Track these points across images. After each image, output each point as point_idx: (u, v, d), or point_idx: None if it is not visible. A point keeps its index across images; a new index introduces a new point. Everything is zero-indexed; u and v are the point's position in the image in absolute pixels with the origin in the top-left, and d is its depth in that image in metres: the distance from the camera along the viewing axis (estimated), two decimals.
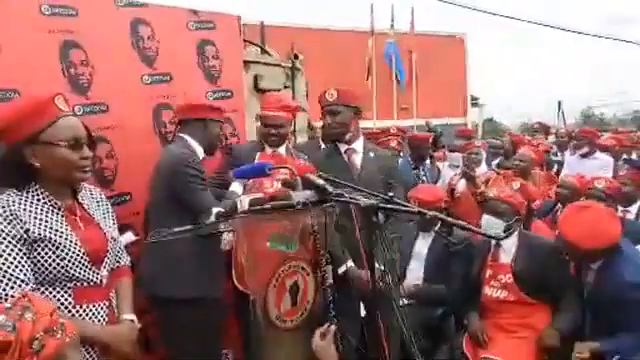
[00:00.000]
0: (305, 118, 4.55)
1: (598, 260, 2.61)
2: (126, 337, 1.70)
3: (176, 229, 1.95)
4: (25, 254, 1.51)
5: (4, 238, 1.49)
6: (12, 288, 1.46)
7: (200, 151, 2.54)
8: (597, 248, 2.55)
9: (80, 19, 2.58)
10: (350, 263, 2.63)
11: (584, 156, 5.58)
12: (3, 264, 1.47)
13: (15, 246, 1.49)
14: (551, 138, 8.16)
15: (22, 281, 1.48)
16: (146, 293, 2.42)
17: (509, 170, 4.60)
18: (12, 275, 1.47)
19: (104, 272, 1.69)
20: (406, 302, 2.75)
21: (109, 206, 1.85)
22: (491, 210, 2.92)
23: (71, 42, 2.55)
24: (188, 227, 1.71)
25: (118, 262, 1.86)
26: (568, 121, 15.92)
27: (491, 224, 2.87)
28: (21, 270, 1.48)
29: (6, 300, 1.40)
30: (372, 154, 2.90)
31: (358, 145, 2.88)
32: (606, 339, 2.51)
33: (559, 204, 3.90)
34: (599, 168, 5.10)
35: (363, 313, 2.67)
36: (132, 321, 1.78)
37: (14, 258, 1.48)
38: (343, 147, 2.87)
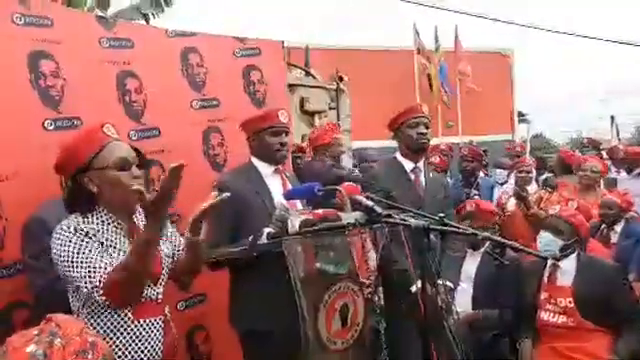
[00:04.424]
0: (349, 139, 4.59)
1: None
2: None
3: (227, 249, 1.99)
4: (105, 253, 1.60)
5: (81, 242, 1.59)
6: (99, 280, 1.55)
7: (263, 166, 2.47)
8: None
9: (135, 50, 2.71)
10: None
11: (638, 174, 5.33)
12: (87, 260, 1.56)
13: (94, 246, 1.59)
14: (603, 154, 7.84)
15: (106, 270, 1.57)
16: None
17: (559, 185, 4.44)
18: (96, 268, 1.56)
19: (160, 289, 1.76)
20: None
21: None
22: (551, 227, 2.81)
23: (127, 71, 2.68)
24: (239, 248, 1.74)
25: None
26: (624, 135, 15.21)
27: (548, 242, 2.77)
28: (103, 263, 1.57)
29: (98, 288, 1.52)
30: (430, 174, 2.83)
31: (422, 163, 2.82)
32: None
33: (604, 225, 3.76)
34: None
35: None
36: None
37: (94, 255, 1.58)
38: (409, 165, 2.80)
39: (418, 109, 2.80)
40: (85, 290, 1.56)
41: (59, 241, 1.60)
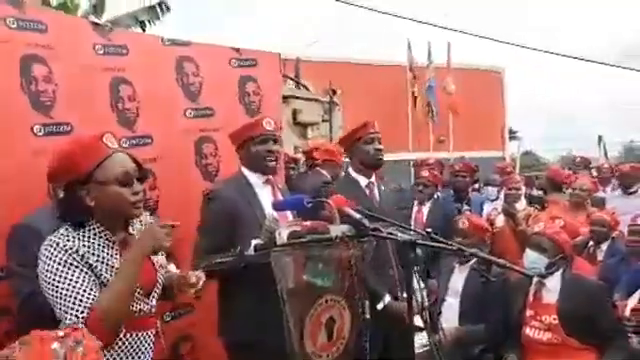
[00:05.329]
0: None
1: None
2: (150, 232, 1.64)
3: (215, 260, 1.99)
4: (92, 279, 1.55)
5: (69, 266, 1.53)
6: (82, 312, 1.50)
7: (253, 177, 2.48)
8: None
9: (130, 57, 2.71)
10: (388, 298, 2.58)
11: (630, 193, 5.38)
12: (73, 289, 1.51)
13: (82, 271, 1.54)
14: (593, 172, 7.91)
15: (91, 303, 1.53)
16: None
17: (550, 203, 4.49)
18: (82, 300, 1.51)
19: (153, 301, 1.73)
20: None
21: None
22: (535, 245, 2.85)
23: (121, 78, 2.68)
24: (226, 258, 1.74)
25: None
26: (610, 154, 15.40)
27: (534, 259, 2.80)
28: (89, 294, 1.52)
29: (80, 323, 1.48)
30: (383, 187, 2.89)
31: (374, 178, 2.86)
32: None
33: (591, 242, 3.80)
34: None
35: None
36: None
37: (81, 284, 1.52)
38: (363, 181, 2.84)
39: (373, 125, 2.85)
40: (68, 322, 1.49)
41: (46, 261, 1.54)
